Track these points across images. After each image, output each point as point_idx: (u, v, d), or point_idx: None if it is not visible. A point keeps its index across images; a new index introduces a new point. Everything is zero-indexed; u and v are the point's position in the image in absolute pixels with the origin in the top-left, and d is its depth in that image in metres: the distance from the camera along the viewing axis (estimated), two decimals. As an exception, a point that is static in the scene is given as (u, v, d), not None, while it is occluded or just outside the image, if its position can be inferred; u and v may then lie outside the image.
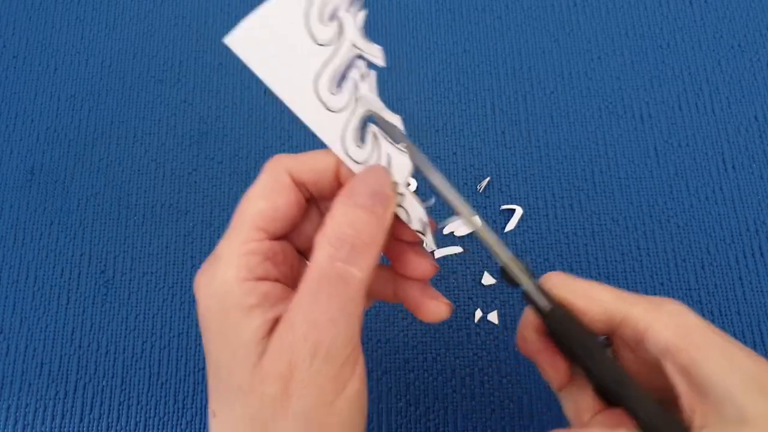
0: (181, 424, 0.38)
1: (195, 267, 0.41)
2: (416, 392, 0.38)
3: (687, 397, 0.21)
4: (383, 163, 0.24)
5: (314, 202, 0.25)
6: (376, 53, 0.23)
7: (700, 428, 0.20)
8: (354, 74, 0.23)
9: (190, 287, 0.41)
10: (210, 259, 0.22)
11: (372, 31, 0.47)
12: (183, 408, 0.38)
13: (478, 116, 0.44)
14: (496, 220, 0.41)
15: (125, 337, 0.40)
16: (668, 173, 0.42)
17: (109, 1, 0.49)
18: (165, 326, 0.40)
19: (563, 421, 0.37)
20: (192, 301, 0.40)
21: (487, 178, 0.42)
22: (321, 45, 0.22)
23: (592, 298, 0.24)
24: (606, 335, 0.25)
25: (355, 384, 0.21)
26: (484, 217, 0.41)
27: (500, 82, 0.45)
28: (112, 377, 0.39)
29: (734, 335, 0.39)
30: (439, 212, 0.42)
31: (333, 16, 0.22)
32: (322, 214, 0.26)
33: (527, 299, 0.25)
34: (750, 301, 0.39)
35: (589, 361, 0.24)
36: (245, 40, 0.22)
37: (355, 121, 0.23)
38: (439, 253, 0.41)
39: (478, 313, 0.39)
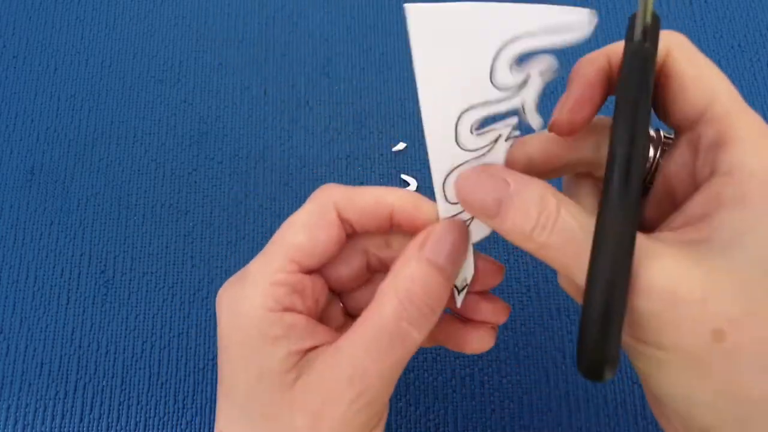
0: (181, 424, 0.38)
1: (195, 267, 0.41)
2: (416, 392, 0.38)
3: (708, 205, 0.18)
4: (467, 216, 0.23)
5: (354, 236, 0.24)
6: (536, 124, 0.21)
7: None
8: (502, 127, 0.21)
9: (191, 287, 0.41)
10: (238, 277, 0.22)
11: (372, 31, 0.47)
12: (183, 408, 0.38)
13: (478, 116, 0.44)
14: (496, 220, 0.41)
15: (125, 337, 0.40)
16: (668, 173, 0.42)
17: (109, 1, 0.49)
18: (165, 326, 0.40)
19: (564, 422, 0.37)
20: (192, 301, 0.40)
21: (487, 178, 0.42)
22: (494, 86, 0.20)
23: (703, 79, 0.20)
24: (679, 121, 0.21)
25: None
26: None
27: (500, 82, 0.45)
28: (112, 377, 0.39)
29: (734, 335, 0.39)
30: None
31: (523, 67, 0.20)
32: (360, 251, 0.25)
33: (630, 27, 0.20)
34: (750, 301, 0.39)
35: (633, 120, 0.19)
36: (430, 17, 0.19)
37: (468, 166, 0.22)
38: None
39: (478, 313, 0.39)
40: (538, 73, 0.20)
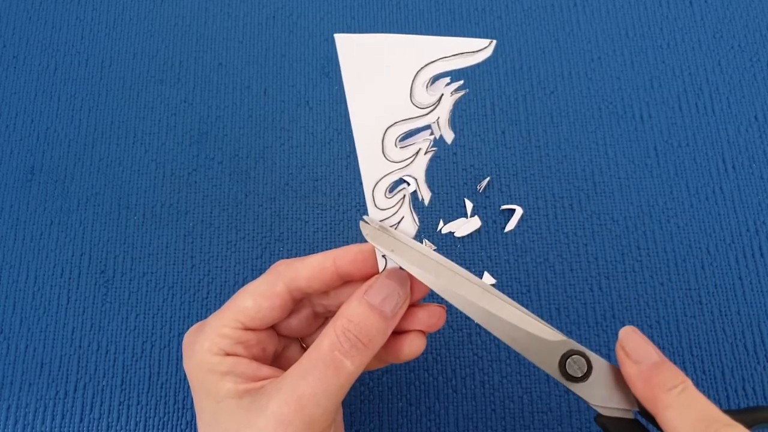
0: (181, 424, 0.38)
1: (195, 267, 0.41)
2: (416, 392, 0.38)
3: None
4: (395, 221, 0.26)
5: (310, 300, 0.29)
6: (449, 137, 0.24)
7: None
8: (420, 141, 0.25)
9: (190, 287, 0.41)
10: (198, 327, 0.28)
11: (372, 31, 0.47)
12: (183, 408, 0.38)
13: (478, 116, 0.44)
14: (496, 220, 0.41)
15: (125, 337, 0.40)
16: (668, 173, 0.42)
17: (109, 1, 0.49)
18: (165, 326, 0.40)
19: (564, 422, 0.37)
20: (192, 301, 0.40)
21: (487, 178, 0.42)
22: (414, 105, 0.23)
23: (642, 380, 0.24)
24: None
25: None
26: (484, 218, 0.41)
27: (500, 82, 0.45)
28: (112, 377, 0.39)
29: (734, 335, 0.39)
30: (437, 213, 0.42)
31: (437, 88, 0.23)
32: (314, 314, 0.30)
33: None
34: (750, 301, 0.39)
35: None
36: (356, 45, 0.22)
37: (395, 177, 0.25)
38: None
39: (478, 313, 0.39)
40: (449, 93, 0.23)
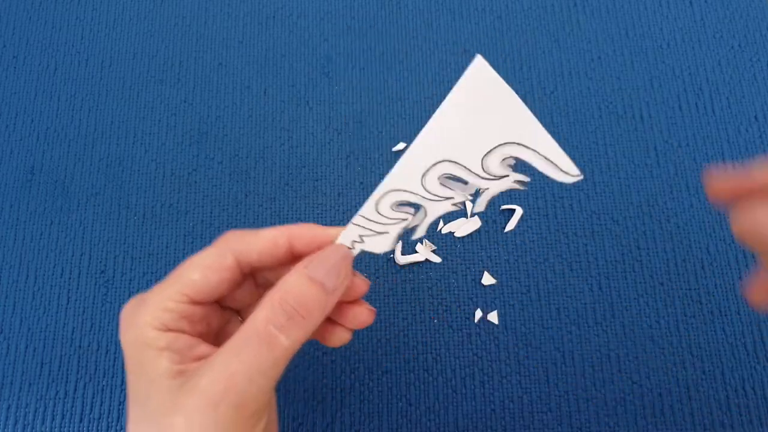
0: (181, 424, 0.38)
1: (195, 267, 0.41)
2: (416, 392, 0.38)
3: None
4: (378, 230, 0.26)
5: (252, 273, 0.28)
6: (477, 209, 0.25)
7: None
8: (459, 192, 0.25)
9: (190, 287, 0.41)
10: (138, 299, 0.25)
11: (372, 30, 0.47)
12: (183, 408, 0.38)
13: (478, 116, 0.44)
14: (496, 220, 0.41)
15: (125, 337, 0.40)
16: (668, 173, 0.42)
17: (109, 1, 0.49)
18: (165, 326, 0.40)
19: (564, 422, 0.37)
20: (192, 301, 0.40)
21: (487, 178, 0.42)
22: (481, 163, 0.23)
23: None
24: None
25: None
26: (484, 218, 0.41)
27: (500, 82, 0.45)
28: (112, 377, 0.39)
29: (734, 335, 0.39)
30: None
31: (508, 167, 0.23)
32: (256, 284, 0.28)
33: None
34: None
35: None
36: (487, 77, 0.22)
37: (415, 199, 0.25)
38: (414, 257, 0.41)
39: (478, 313, 0.39)
40: (513, 179, 0.24)
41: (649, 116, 0.44)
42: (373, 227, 0.26)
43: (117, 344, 0.39)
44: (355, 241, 0.26)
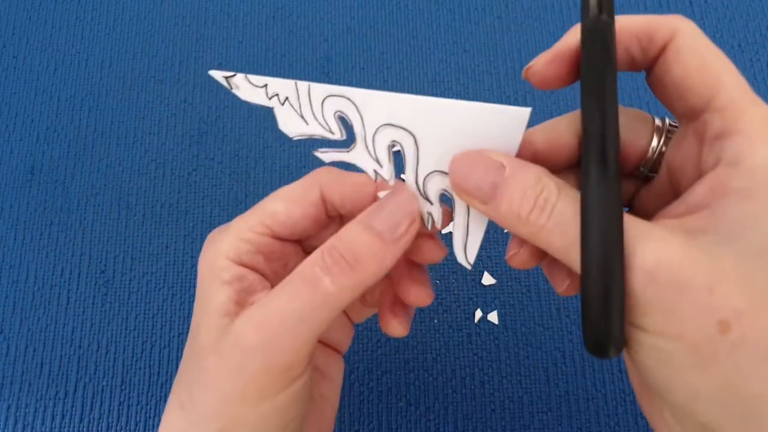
0: (181, 424, 0.38)
1: (195, 267, 0.41)
2: (416, 392, 0.38)
3: (720, 174, 0.18)
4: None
5: (342, 219, 0.25)
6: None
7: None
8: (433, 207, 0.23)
9: (190, 287, 0.41)
10: (222, 227, 0.24)
11: (372, 30, 0.47)
12: (183, 408, 0.38)
13: (478, 116, 0.44)
14: (496, 220, 0.41)
15: (125, 337, 0.40)
16: (668, 173, 0.42)
17: (109, 1, 0.49)
18: (165, 326, 0.40)
19: (564, 422, 0.37)
20: (192, 301, 0.40)
21: (487, 178, 0.42)
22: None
23: (710, 67, 0.19)
24: (683, 110, 0.20)
25: (287, 398, 0.21)
26: (484, 217, 0.41)
27: (500, 82, 0.45)
28: (112, 377, 0.39)
29: (734, 335, 0.39)
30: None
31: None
32: (337, 227, 0.26)
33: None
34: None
35: (599, 96, 0.20)
36: (517, 125, 0.21)
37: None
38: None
39: (478, 313, 0.39)
40: (437, 211, 0.23)
41: (649, 116, 0.44)
42: (304, 106, 0.24)
43: (117, 344, 0.39)
44: (277, 95, 0.24)
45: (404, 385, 0.38)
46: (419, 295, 0.25)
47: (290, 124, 0.24)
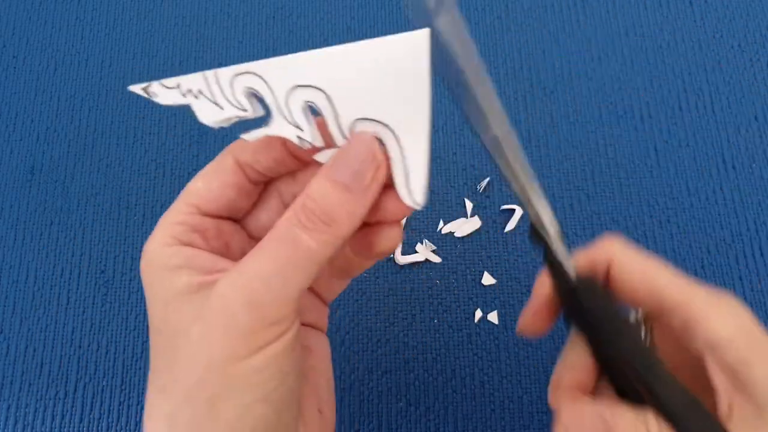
0: (181, 424, 0.38)
1: (195, 267, 0.41)
2: (416, 392, 0.38)
3: (727, 395, 0.21)
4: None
5: (277, 188, 0.25)
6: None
7: (736, 424, 0.20)
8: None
9: (190, 287, 0.41)
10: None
11: (372, 30, 0.47)
12: (183, 408, 0.38)
13: (478, 116, 0.44)
14: (496, 219, 0.41)
15: (125, 337, 0.40)
16: (668, 173, 0.42)
17: (109, 1, 0.49)
18: (165, 326, 0.40)
19: (563, 421, 0.37)
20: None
21: (487, 178, 0.42)
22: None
23: (648, 278, 0.23)
24: (641, 310, 0.24)
25: (278, 347, 0.21)
26: (484, 218, 0.41)
27: (500, 82, 0.45)
28: (112, 377, 0.39)
29: (734, 335, 0.39)
30: (437, 213, 0.42)
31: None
32: (275, 194, 0.26)
33: (552, 267, 0.24)
34: (750, 301, 0.39)
35: (615, 340, 0.22)
36: (419, 51, 0.21)
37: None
38: (411, 258, 0.41)
39: (478, 313, 0.39)
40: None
41: (649, 116, 0.44)
42: (216, 93, 0.24)
43: (117, 344, 0.39)
44: (191, 91, 0.24)
45: (404, 385, 0.38)
46: (390, 237, 0.24)
47: (207, 114, 0.24)
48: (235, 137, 0.24)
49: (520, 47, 0.46)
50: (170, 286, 0.21)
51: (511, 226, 0.41)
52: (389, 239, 0.23)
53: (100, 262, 0.41)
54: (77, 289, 0.41)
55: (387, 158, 0.22)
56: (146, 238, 0.22)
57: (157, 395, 0.21)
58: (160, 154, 0.44)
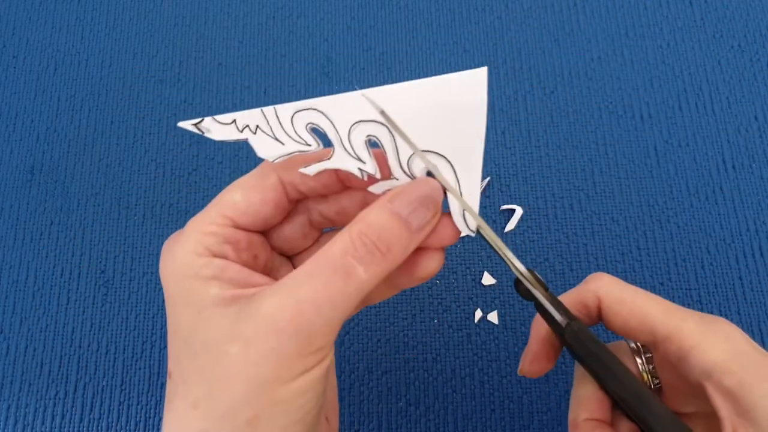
0: (181, 424, 0.38)
1: (195, 267, 0.41)
2: (416, 392, 0.38)
3: (730, 420, 0.21)
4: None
5: (306, 205, 0.26)
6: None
7: None
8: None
9: (190, 287, 0.41)
10: (175, 234, 0.23)
11: (372, 31, 0.47)
12: (183, 408, 0.38)
13: (478, 116, 0.44)
14: (496, 219, 0.41)
15: (125, 337, 0.40)
16: (668, 173, 0.42)
17: (109, 1, 0.49)
18: (165, 326, 0.40)
19: (563, 422, 0.37)
20: (192, 301, 0.40)
21: (487, 178, 0.42)
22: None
23: (638, 311, 0.24)
24: (642, 343, 0.26)
25: (319, 372, 0.21)
26: (485, 217, 0.41)
27: (500, 82, 0.45)
28: (112, 377, 0.39)
29: (734, 335, 0.39)
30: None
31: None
32: (309, 222, 0.26)
33: (542, 313, 0.25)
34: (750, 301, 0.39)
35: (606, 376, 0.24)
36: (478, 89, 0.22)
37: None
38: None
39: (478, 313, 0.39)
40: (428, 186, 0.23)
41: (649, 116, 0.44)
42: (276, 129, 0.24)
43: (117, 344, 0.39)
44: (248, 126, 0.24)
45: (404, 385, 0.38)
46: (433, 262, 0.25)
47: (268, 149, 0.24)
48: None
49: (520, 47, 0.46)
50: (201, 296, 0.21)
51: (511, 226, 0.41)
52: (433, 264, 0.24)
53: (100, 262, 0.41)
54: (77, 289, 0.41)
55: (443, 189, 0.23)
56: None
57: (189, 410, 0.21)
58: (160, 154, 0.44)
